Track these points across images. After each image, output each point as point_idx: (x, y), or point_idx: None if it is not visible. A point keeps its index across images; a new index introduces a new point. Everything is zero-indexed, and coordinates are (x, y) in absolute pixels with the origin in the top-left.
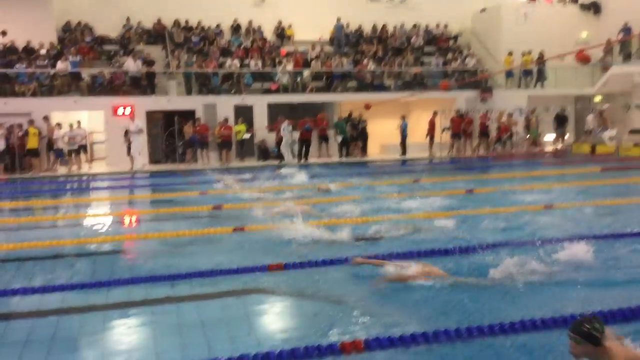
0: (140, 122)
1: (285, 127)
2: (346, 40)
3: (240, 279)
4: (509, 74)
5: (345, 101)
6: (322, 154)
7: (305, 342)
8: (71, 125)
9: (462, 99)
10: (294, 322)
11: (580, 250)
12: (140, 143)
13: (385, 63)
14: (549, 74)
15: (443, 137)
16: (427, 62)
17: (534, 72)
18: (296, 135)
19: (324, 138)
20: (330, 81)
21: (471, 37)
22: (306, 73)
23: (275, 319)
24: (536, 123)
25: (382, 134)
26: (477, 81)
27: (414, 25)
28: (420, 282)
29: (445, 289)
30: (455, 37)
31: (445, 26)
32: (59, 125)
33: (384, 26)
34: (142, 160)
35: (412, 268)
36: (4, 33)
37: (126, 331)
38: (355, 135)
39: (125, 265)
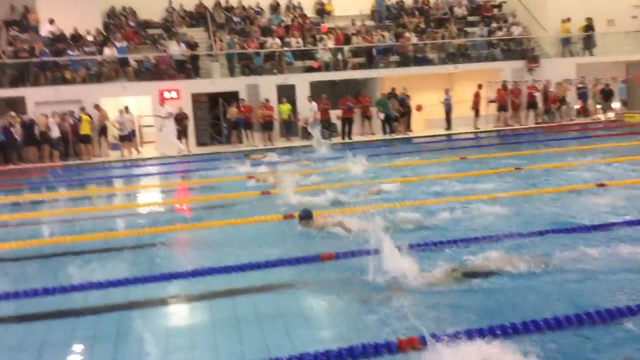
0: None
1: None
2: (387, 14)
3: (292, 269)
4: (565, 42)
5: (388, 76)
6: (365, 132)
7: (362, 338)
8: (121, 111)
9: (509, 69)
10: (349, 317)
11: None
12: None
13: (427, 35)
14: (598, 41)
15: (489, 109)
16: (471, 33)
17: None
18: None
19: (366, 116)
20: (372, 56)
21: (516, 4)
22: (347, 49)
23: (329, 313)
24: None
25: (426, 108)
26: (523, 50)
27: None
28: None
29: (502, 280)
30: (500, 5)
31: None
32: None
33: None
34: (177, 144)
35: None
36: (51, 21)
37: (186, 326)
38: (403, 112)
39: (179, 257)
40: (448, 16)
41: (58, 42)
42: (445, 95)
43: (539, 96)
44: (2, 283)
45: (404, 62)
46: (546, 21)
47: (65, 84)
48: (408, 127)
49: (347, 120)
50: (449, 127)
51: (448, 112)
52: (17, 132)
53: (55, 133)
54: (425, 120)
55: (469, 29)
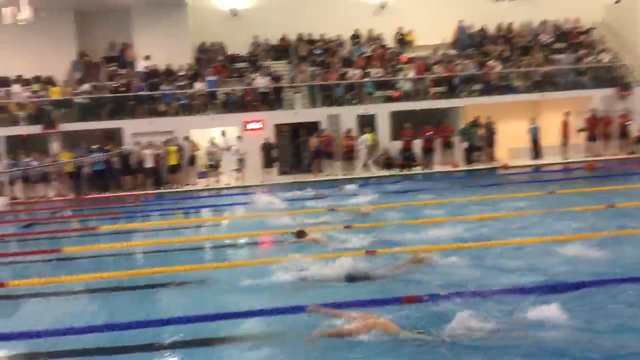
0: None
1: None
2: (469, 42)
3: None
4: None
5: (470, 105)
6: (447, 161)
7: None
8: (210, 142)
9: (598, 97)
10: None
11: None
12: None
13: (512, 63)
14: None
15: (579, 139)
16: (557, 60)
17: None
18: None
19: (447, 145)
20: (453, 85)
21: (605, 30)
22: (428, 78)
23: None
24: None
25: (510, 137)
26: (614, 78)
27: (542, 22)
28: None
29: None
30: (588, 31)
31: (576, 20)
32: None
33: (509, 24)
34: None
35: (353, 322)
36: (147, 57)
37: None
38: (490, 141)
39: (267, 291)
40: (533, 43)
41: (152, 76)
42: (531, 124)
43: (631, 125)
44: (100, 314)
45: (487, 90)
46: (638, 47)
47: (159, 116)
48: (492, 157)
49: (428, 150)
50: (536, 157)
51: (535, 141)
52: (115, 161)
53: (149, 163)
54: (509, 150)
55: (555, 56)
